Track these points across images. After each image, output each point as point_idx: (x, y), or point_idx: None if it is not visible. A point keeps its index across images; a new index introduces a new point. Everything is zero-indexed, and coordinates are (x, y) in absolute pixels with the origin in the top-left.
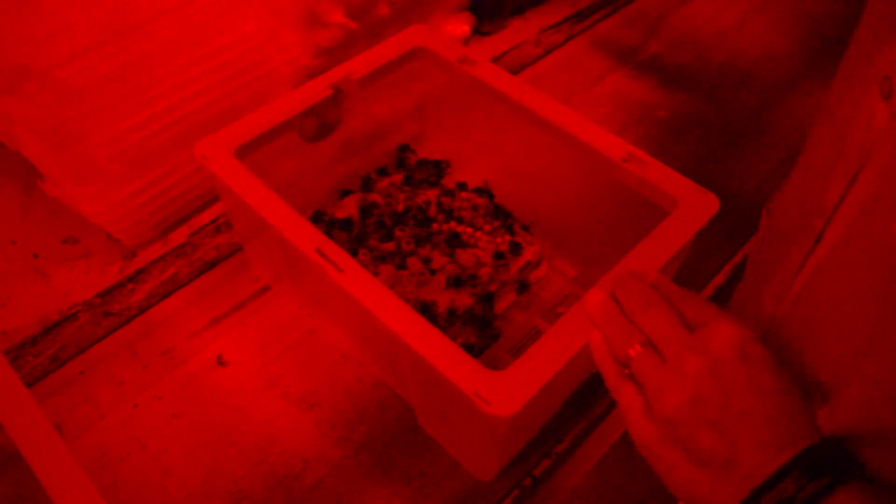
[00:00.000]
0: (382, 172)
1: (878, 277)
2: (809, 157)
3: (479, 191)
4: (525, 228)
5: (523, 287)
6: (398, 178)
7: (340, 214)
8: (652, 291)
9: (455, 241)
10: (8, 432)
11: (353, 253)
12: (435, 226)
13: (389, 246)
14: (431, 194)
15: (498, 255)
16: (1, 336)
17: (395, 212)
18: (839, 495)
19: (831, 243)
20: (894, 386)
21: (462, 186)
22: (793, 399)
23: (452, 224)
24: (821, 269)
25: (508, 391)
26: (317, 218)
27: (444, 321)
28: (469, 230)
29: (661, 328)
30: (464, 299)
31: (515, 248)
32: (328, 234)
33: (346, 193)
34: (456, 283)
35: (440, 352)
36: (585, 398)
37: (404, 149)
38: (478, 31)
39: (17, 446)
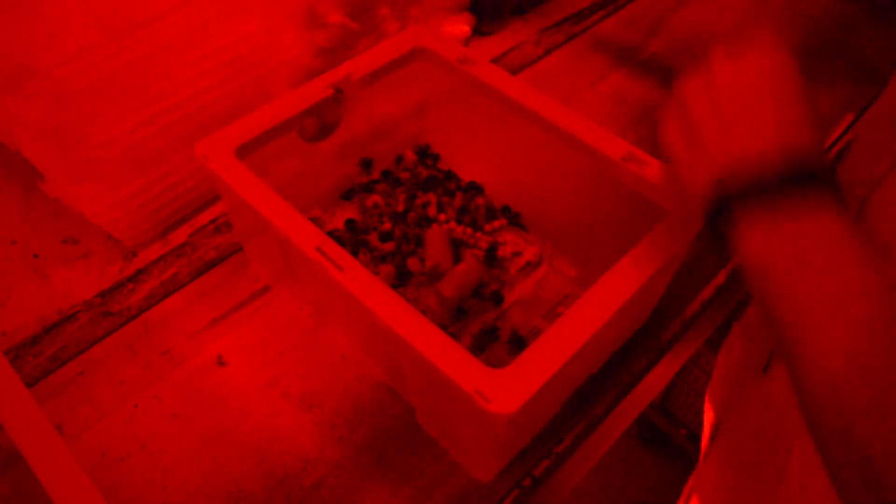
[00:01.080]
0: (383, 173)
1: None
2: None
3: (480, 190)
4: (525, 228)
5: (492, 252)
6: (397, 178)
7: (340, 216)
8: None
9: (455, 241)
10: (8, 432)
11: (354, 253)
12: (435, 226)
13: (389, 246)
14: (431, 194)
15: (490, 251)
16: (1, 336)
17: (394, 212)
18: (820, 194)
19: None
20: None
21: (462, 186)
22: (809, 119)
23: (452, 224)
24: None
25: (509, 389)
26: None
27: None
28: (469, 230)
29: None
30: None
31: (489, 215)
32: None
33: (346, 194)
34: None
35: (440, 350)
36: (585, 398)
37: (423, 153)
38: (478, 31)
39: (18, 446)
